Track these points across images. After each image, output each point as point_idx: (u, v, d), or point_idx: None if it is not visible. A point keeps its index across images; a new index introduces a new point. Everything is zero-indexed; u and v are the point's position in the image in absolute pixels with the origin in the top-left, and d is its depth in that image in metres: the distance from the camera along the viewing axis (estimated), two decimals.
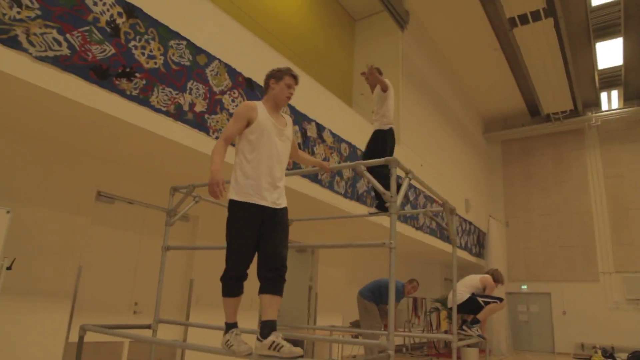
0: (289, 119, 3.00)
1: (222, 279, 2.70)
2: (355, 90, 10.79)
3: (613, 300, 13.21)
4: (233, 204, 2.68)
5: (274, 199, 2.70)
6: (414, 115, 10.56)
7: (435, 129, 11.84)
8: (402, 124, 9.77)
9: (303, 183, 6.07)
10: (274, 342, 2.36)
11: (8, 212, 3.80)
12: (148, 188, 5.67)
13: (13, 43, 3.29)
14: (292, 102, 4.77)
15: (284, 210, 2.77)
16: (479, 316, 5.19)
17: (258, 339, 2.45)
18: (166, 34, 4.47)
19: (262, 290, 2.55)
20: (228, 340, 2.59)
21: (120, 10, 4.03)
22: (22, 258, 4.22)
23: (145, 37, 4.27)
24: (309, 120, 6.56)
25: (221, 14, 5.27)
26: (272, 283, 2.56)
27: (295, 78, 2.92)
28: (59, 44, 3.56)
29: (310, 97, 6.71)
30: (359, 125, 8.01)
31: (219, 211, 6.46)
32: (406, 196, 9.29)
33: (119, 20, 4.01)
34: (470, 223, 12.96)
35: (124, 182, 5.45)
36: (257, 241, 2.65)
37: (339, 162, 7.22)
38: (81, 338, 3.14)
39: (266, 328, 2.44)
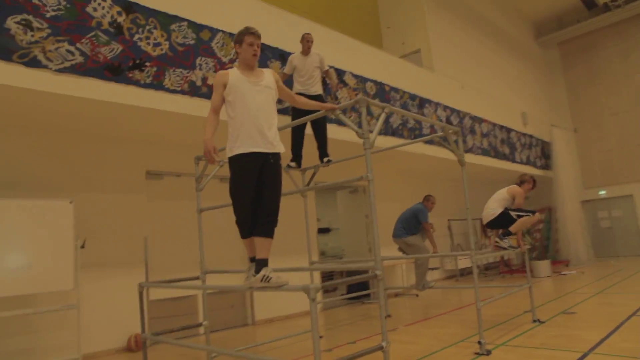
0: (267, 71, 3.23)
1: (237, 224, 3.05)
2: (383, 24, 10.59)
3: None
4: (229, 160, 3.03)
5: (265, 144, 2.97)
6: (444, 38, 10.19)
7: (474, 47, 11.32)
8: (433, 50, 9.53)
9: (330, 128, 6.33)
10: (264, 275, 2.81)
11: (71, 202, 4.60)
12: (190, 160, 6.30)
13: (34, 63, 3.88)
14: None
15: (277, 158, 3.04)
16: (511, 229, 5.30)
17: (252, 275, 2.91)
18: (166, 20, 4.87)
19: (256, 234, 2.95)
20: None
21: (119, 9, 4.48)
22: (93, 237, 5.08)
23: (147, 27, 4.70)
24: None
25: None
26: (264, 227, 2.93)
27: (254, 34, 3.11)
28: (72, 53, 4.11)
29: (324, 44, 6.82)
30: (382, 61, 8.01)
31: None
32: (450, 123, 9.21)
33: (120, 19, 4.47)
34: (531, 136, 12.47)
35: (168, 158, 6.11)
36: (254, 187, 2.96)
37: None
38: (141, 294, 3.85)
39: (258, 265, 2.89)
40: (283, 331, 5.87)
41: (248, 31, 3.12)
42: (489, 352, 3.95)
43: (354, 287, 8.74)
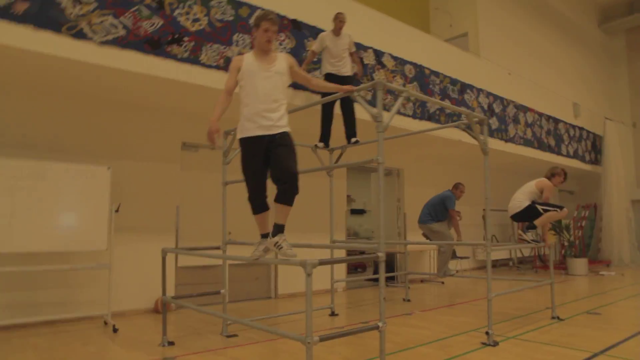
0: (282, 56, 3.32)
1: (248, 201, 3.24)
2: (431, 5, 10.31)
3: None
4: (239, 141, 3.21)
5: (268, 127, 3.10)
6: (494, 22, 9.82)
7: (525, 31, 10.83)
8: (481, 34, 9.22)
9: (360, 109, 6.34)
10: (277, 242, 2.97)
11: (109, 168, 4.92)
12: None
13: (80, 35, 4.13)
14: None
15: (284, 134, 3.13)
16: (536, 222, 5.18)
17: (269, 236, 3.10)
18: None
19: (275, 200, 3.07)
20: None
21: None
22: (128, 203, 5.42)
23: (188, 3, 4.86)
24: (365, 49, 6.70)
25: None
26: (283, 194, 3.02)
27: (270, 20, 3.17)
28: (115, 27, 4.34)
29: (363, 25, 6.78)
30: (424, 44, 7.85)
31: None
32: (492, 111, 8.95)
33: None
34: (582, 129, 11.89)
35: (204, 131, 6.28)
36: (263, 166, 3.13)
37: (404, 85, 7.30)
38: (164, 258, 4.10)
39: (276, 229, 3.06)
40: (302, 306, 6.07)
41: (265, 17, 3.18)
42: (496, 343, 3.96)
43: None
